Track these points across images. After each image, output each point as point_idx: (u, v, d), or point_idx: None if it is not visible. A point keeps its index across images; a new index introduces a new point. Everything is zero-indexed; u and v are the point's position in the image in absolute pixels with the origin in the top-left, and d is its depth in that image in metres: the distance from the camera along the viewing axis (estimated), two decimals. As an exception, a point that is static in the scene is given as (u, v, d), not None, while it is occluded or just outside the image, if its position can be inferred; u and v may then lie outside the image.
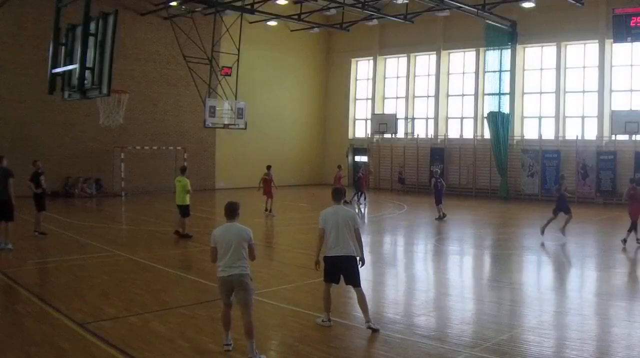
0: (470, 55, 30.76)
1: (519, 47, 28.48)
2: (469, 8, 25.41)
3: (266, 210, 20.71)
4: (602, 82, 26.14)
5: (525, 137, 28.71)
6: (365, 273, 12.61)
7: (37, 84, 21.81)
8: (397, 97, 33.98)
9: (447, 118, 31.94)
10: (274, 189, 20.86)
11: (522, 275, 12.39)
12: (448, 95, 31.86)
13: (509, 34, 28.06)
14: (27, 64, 23.68)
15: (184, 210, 15.47)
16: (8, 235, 13.22)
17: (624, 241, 14.53)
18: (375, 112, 33.92)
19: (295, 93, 35.09)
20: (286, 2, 28.23)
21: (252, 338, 6.92)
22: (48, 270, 11.99)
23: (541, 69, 28.57)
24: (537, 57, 28.74)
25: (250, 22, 29.33)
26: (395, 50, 33.46)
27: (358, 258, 8.03)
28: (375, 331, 7.84)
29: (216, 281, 7.26)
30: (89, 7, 9.78)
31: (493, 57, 28.66)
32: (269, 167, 21.28)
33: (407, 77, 33.19)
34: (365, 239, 17.35)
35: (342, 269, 7.97)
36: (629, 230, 14.75)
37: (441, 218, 19.69)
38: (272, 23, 31.20)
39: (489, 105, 28.70)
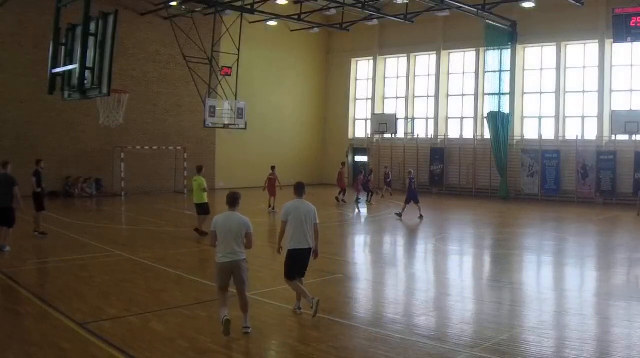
0: (470, 55, 30.75)
1: (519, 47, 28.47)
2: (469, 8, 25.41)
3: (269, 206, 21.43)
4: (602, 82, 26.13)
5: (525, 137, 28.70)
6: (365, 273, 12.66)
7: (37, 84, 21.82)
8: (397, 97, 33.96)
9: (447, 118, 31.93)
10: (278, 188, 21.55)
11: (522, 275, 12.39)
12: (448, 95, 31.85)
13: (509, 34, 28.06)
14: (27, 64, 23.65)
15: (202, 208, 15.59)
16: (7, 239, 13.26)
17: None
18: (375, 112, 33.91)
19: (295, 93, 35.08)
20: (286, 2, 28.23)
21: (247, 312, 7.80)
22: (48, 270, 11.99)
23: (541, 69, 28.55)
24: (537, 57, 28.73)
25: (250, 22, 29.31)
26: (395, 50, 33.44)
27: (313, 250, 8.57)
28: (300, 314, 8.61)
29: (215, 268, 7.86)
30: (89, 7, 9.77)
31: (493, 57, 28.64)
32: (273, 168, 22.14)
33: (407, 77, 33.18)
34: (365, 239, 17.41)
35: (300, 261, 8.50)
36: None
37: (400, 215, 20.17)
38: (272, 23, 31.19)
39: (489, 105, 28.69)
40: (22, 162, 18.82)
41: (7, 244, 13.17)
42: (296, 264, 8.49)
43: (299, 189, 8.64)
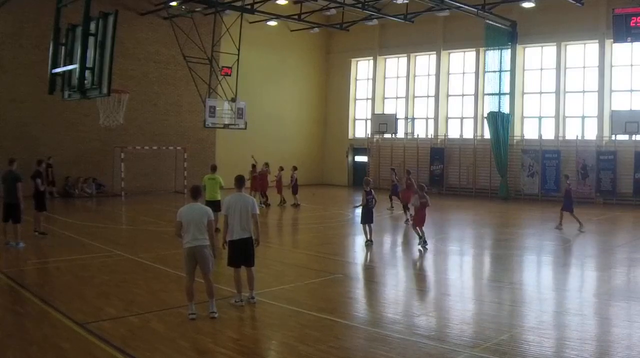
0: (470, 55, 30.75)
1: (519, 47, 28.47)
2: (469, 8, 25.41)
3: (283, 202, 23.62)
4: (602, 82, 26.13)
5: (525, 137, 28.71)
6: (365, 273, 12.66)
7: (37, 84, 21.83)
8: (397, 97, 33.97)
9: (447, 118, 31.93)
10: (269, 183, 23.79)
11: (522, 275, 12.39)
12: (448, 95, 31.86)
13: (509, 34, 28.05)
14: (27, 64, 23.67)
15: (215, 206, 15.48)
16: (18, 236, 13.47)
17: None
18: (375, 112, 33.92)
19: (295, 93, 35.08)
20: (286, 2, 28.22)
21: (213, 297, 8.40)
22: (48, 270, 11.99)
23: (541, 69, 28.57)
24: (537, 57, 28.74)
25: (250, 22, 29.32)
26: (395, 50, 33.44)
27: (254, 239, 9.01)
28: (253, 304, 9.02)
29: (182, 254, 8.47)
30: (89, 7, 9.79)
31: (493, 57, 28.63)
32: (281, 168, 24.09)
33: (407, 77, 33.18)
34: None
35: (243, 251, 8.90)
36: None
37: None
38: (272, 23, 31.20)
39: (489, 105, 28.69)
40: (22, 162, 18.79)
41: (20, 241, 13.44)
42: (237, 254, 8.89)
43: (239, 183, 9.20)
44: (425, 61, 32.83)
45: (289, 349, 7.39)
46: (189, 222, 8.27)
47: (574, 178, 26.59)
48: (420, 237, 14.38)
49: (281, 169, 24.15)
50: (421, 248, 14.26)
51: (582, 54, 27.32)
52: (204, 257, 8.30)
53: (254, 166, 23.33)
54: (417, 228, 14.44)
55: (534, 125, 28.77)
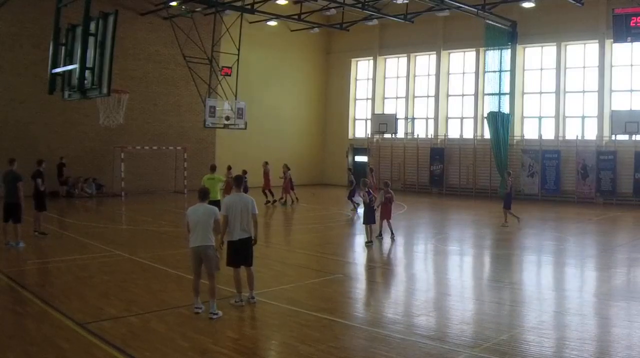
0: (470, 55, 30.75)
1: (519, 47, 28.47)
2: (469, 8, 25.41)
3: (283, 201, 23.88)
4: (602, 82, 26.13)
5: (525, 137, 28.71)
6: (365, 273, 12.66)
7: (37, 84, 21.85)
8: (397, 97, 33.97)
9: (447, 118, 31.93)
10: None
11: (522, 275, 12.39)
12: (448, 95, 31.86)
13: (509, 34, 28.05)
14: (27, 64, 23.68)
15: (218, 206, 15.44)
16: (18, 236, 13.49)
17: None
18: (375, 112, 33.92)
19: (295, 93, 35.08)
20: (286, 2, 28.22)
21: (213, 297, 8.45)
22: (48, 270, 11.99)
23: (541, 69, 28.56)
24: (537, 57, 28.74)
25: (250, 22, 29.32)
26: (395, 50, 33.44)
27: (252, 238, 9.05)
28: (253, 304, 9.05)
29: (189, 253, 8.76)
30: (89, 7, 9.79)
31: (493, 57, 28.63)
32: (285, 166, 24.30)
33: (407, 77, 33.18)
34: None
35: (243, 251, 8.96)
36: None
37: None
38: (272, 23, 31.19)
39: (489, 105, 28.69)
40: (22, 162, 18.78)
41: (20, 241, 13.46)
42: (237, 254, 8.94)
43: (238, 182, 9.37)
44: (425, 61, 32.83)
45: (289, 349, 7.39)
46: (196, 223, 8.48)
47: (572, 178, 26.72)
48: (373, 234, 15.14)
49: (287, 168, 24.03)
50: (375, 241, 15.19)
51: (582, 54, 27.32)
52: (208, 257, 8.47)
53: (229, 168, 22.40)
54: (386, 221, 15.58)
55: (534, 125, 28.77)
